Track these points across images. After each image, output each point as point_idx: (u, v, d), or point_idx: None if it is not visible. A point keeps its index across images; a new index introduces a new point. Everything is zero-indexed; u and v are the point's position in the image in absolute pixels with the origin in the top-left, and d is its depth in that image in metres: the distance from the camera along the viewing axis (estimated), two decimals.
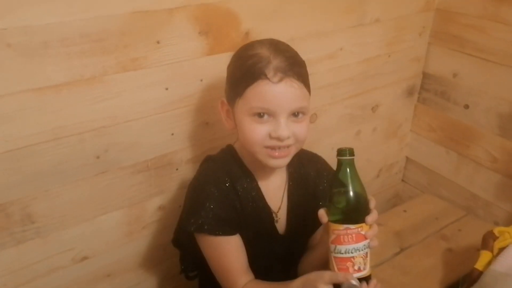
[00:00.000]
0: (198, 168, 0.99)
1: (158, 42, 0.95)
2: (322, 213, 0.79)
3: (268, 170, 0.94)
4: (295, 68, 0.83)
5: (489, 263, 1.02)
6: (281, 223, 0.97)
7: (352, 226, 0.77)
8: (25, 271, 0.99)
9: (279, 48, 0.85)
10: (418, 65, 1.52)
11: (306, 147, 0.94)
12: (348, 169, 0.77)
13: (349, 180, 0.77)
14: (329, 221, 0.78)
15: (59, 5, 0.81)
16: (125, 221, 1.08)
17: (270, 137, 0.83)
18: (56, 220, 0.98)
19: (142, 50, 0.93)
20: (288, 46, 0.88)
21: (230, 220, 0.90)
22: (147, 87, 0.98)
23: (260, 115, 0.83)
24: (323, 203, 0.81)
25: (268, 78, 0.81)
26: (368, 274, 0.78)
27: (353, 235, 0.77)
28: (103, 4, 0.86)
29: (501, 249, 1.01)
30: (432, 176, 1.62)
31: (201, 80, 1.04)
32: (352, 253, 0.77)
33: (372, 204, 0.80)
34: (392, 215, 1.44)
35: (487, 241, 1.05)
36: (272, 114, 0.83)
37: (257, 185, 0.93)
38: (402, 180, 1.75)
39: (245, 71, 0.84)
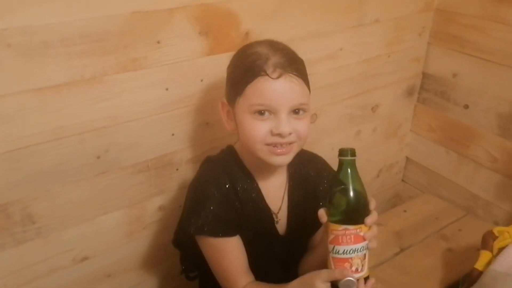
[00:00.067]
0: (198, 168, 0.99)
1: (158, 42, 0.95)
2: (321, 213, 0.79)
3: (268, 171, 0.94)
4: (294, 64, 0.84)
5: (489, 263, 1.02)
6: (281, 224, 0.97)
7: (350, 227, 0.76)
8: (25, 271, 0.99)
9: (277, 46, 0.86)
10: (418, 65, 1.52)
11: (306, 147, 0.94)
12: (349, 170, 0.77)
13: (350, 181, 0.77)
14: (328, 221, 0.78)
15: (59, 5, 0.81)
16: (126, 221, 1.08)
17: (272, 134, 0.83)
18: (56, 220, 0.98)
19: (142, 50, 0.93)
20: (286, 45, 0.88)
21: (230, 221, 0.89)
22: (147, 87, 0.98)
23: (260, 112, 0.83)
24: (323, 203, 0.81)
25: (267, 74, 0.81)
26: (366, 275, 0.78)
27: (352, 236, 0.76)
28: (103, 4, 0.86)
29: (501, 249, 1.01)
30: (432, 176, 1.62)
31: (201, 80, 1.04)
32: (350, 254, 0.76)
33: (372, 205, 0.80)
34: (392, 215, 1.44)
35: (487, 241, 1.05)
36: (273, 111, 0.83)
37: (257, 186, 0.93)
38: (402, 180, 1.75)
39: (244, 69, 0.84)
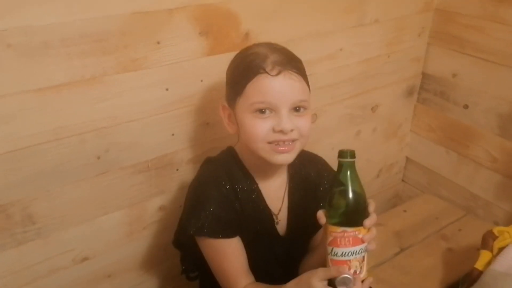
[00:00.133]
0: (198, 169, 0.99)
1: (158, 43, 0.95)
2: (320, 215, 0.79)
3: (268, 171, 0.93)
4: (293, 62, 0.84)
5: (489, 262, 1.02)
6: (281, 225, 0.97)
7: (349, 229, 0.76)
8: (26, 272, 0.98)
9: (276, 47, 0.86)
10: (417, 65, 1.52)
11: (306, 147, 0.94)
12: (348, 172, 0.76)
13: (349, 183, 0.76)
14: (327, 223, 0.78)
15: (59, 5, 0.81)
16: (126, 222, 1.08)
17: (274, 131, 0.83)
18: (56, 220, 0.98)
19: (142, 50, 0.93)
20: (284, 46, 0.88)
21: (230, 222, 0.89)
22: (148, 88, 0.98)
23: (261, 111, 0.82)
24: (323, 204, 0.80)
25: (266, 72, 0.81)
26: (364, 278, 0.78)
27: (350, 238, 0.76)
28: (103, 4, 0.86)
29: (501, 249, 1.02)
30: (432, 176, 1.62)
31: (202, 81, 1.04)
32: (348, 256, 0.76)
33: (372, 207, 0.79)
34: (392, 215, 1.44)
35: (487, 240, 1.05)
36: (273, 109, 0.82)
37: (257, 187, 0.93)
38: (402, 180, 1.75)
39: (243, 69, 0.84)
